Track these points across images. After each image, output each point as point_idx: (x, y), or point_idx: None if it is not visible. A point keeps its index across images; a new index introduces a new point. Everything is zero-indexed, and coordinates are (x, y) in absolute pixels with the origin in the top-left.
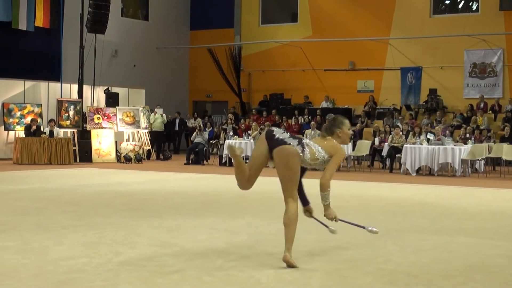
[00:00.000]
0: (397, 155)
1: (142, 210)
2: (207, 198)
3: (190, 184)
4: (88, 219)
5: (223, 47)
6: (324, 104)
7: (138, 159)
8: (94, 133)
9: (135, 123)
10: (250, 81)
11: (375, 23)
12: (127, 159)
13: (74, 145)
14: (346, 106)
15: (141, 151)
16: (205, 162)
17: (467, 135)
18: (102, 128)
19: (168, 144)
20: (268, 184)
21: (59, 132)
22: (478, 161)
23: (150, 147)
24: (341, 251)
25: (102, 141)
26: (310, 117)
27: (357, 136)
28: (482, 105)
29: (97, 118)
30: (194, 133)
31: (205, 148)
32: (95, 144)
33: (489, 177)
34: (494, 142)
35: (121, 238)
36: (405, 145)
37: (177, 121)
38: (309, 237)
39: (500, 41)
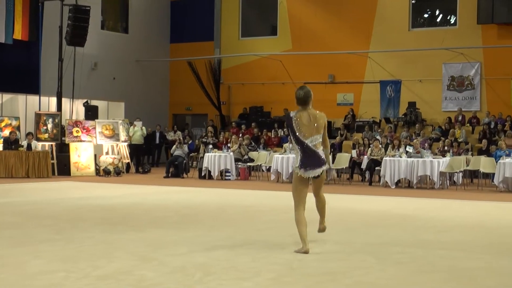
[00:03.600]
0: (376, 168)
1: (121, 223)
2: (187, 212)
3: (170, 197)
4: (67, 233)
5: (203, 60)
6: None
7: (117, 172)
8: (73, 146)
9: (114, 136)
10: (229, 94)
11: (355, 37)
12: (106, 172)
13: (52, 158)
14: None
15: (120, 164)
16: (184, 175)
17: (446, 148)
18: (81, 141)
19: (148, 157)
20: (248, 197)
21: (37, 145)
22: (456, 173)
23: (129, 160)
24: (321, 263)
25: (81, 154)
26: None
27: (336, 148)
28: (460, 118)
29: (76, 131)
30: (174, 146)
31: (184, 161)
32: (73, 157)
33: (467, 190)
34: (472, 154)
35: (100, 252)
36: (384, 158)
37: (157, 134)
38: (288, 250)
39: (477, 55)
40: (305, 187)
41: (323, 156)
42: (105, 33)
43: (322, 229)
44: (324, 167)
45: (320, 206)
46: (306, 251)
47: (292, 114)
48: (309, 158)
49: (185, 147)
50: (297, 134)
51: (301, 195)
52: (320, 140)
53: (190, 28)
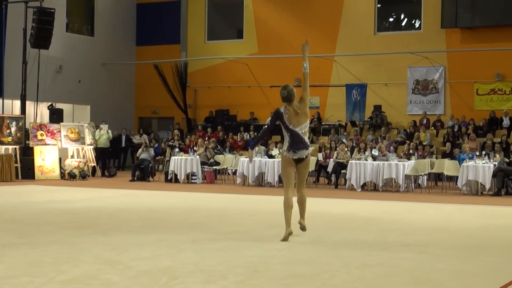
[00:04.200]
0: (342, 171)
1: (87, 227)
2: (153, 215)
3: (136, 201)
4: (31, 237)
5: (169, 63)
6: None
7: (83, 176)
8: (37, 149)
9: (80, 139)
10: (196, 97)
11: (321, 40)
12: (72, 176)
13: (16, 162)
14: None
15: (86, 168)
16: (150, 178)
17: (411, 151)
18: (45, 144)
19: (114, 160)
20: (214, 201)
21: (1, 149)
22: (421, 176)
23: (95, 164)
24: (287, 266)
25: (46, 158)
26: (255, 134)
27: None
28: (424, 121)
29: (41, 135)
30: (140, 150)
31: (150, 164)
32: (38, 161)
33: (432, 192)
34: (436, 157)
35: (65, 257)
36: (350, 161)
37: (123, 137)
38: (253, 253)
39: (441, 59)
40: (292, 169)
41: (308, 143)
42: (70, 36)
43: (302, 226)
44: (309, 150)
45: (301, 201)
46: (290, 232)
47: (282, 109)
48: (297, 144)
49: (151, 151)
50: (288, 125)
51: (290, 176)
52: (307, 127)
53: (156, 31)
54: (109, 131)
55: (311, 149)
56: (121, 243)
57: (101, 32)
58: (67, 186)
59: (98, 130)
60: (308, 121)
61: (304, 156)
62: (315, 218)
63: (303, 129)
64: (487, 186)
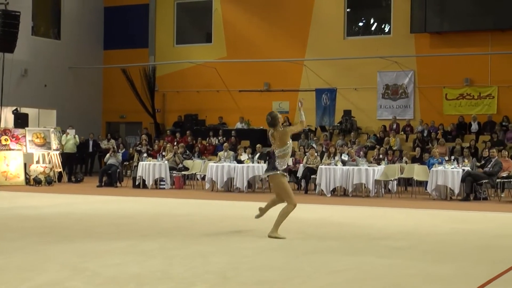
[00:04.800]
0: (312, 176)
1: (52, 234)
2: (120, 221)
3: (103, 207)
4: None
5: (137, 67)
6: (238, 125)
7: (49, 182)
8: (1, 155)
9: (45, 144)
10: (164, 102)
11: (290, 45)
12: (37, 182)
13: None
14: (261, 127)
15: (52, 173)
16: (118, 184)
17: (381, 156)
18: (10, 149)
19: (80, 166)
20: (182, 206)
21: None
22: (391, 181)
23: (61, 169)
24: (256, 272)
25: (10, 163)
26: (224, 138)
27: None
28: (394, 126)
29: (5, 140)
30: (108, 155)
31: (118, 170)
32: (2, 167)
33: (402, 198)
34: (406, 162)
35: (29, 264)
36: (320, 166)
37: (90, 142)
38: (222, 259)
39: (411, 63)
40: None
41: (276, 165)
42: (36, 39)
43: (258, 214)
44: (272, 172)
45: (271, 204)
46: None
47: (269, 133)
48: (268, 164)
49: (119, 156)
50: (272, 146)
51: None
52: (288, 150)
53: (124, 35)
54: (76, 136)
55: (277, 172)
56: (88, 250)
57: (67, 35)
58: (32, 192)
59: (64, 135)
60: (285, 147)
61: (266, 176)
62: (284, 223)
63: (280, 152)
64: (456, 191)
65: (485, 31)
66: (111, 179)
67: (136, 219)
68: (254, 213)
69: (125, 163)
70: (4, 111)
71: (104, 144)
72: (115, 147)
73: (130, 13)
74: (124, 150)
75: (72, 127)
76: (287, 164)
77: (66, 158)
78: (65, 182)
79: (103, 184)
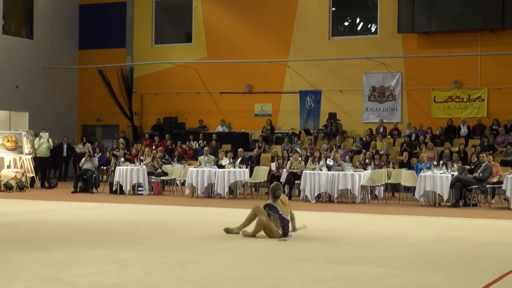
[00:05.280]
0: (296, 182)
1: (25, 242)
2: (96, 229)
3: (78, 213)
4: None
5: (114, 68)
6: (219, 129)
7: (21, 188)
8: None
9: (17, 148)
10: (142, 104)
11: (273, 45)
12: (8, 188)
13: None
14: (243, 131)
15: (24, 179)
16: (94, 190)
17: (367, 161)
18: None
19: (54, 171)
20: (161, 213)
21: None
22: (377, 187)
23: (34, 174)
24: (236, 282)
25: None
26: (205, 142)
27: (254, 161)
28: (381, 129)
29: None
30: (83, 159)
31: (94, 175)
32: None
33: (389, 204)
34: (393, 167)
35: (1, 273)
36: (304, 171)
37: (65, 146)
38: (202, 268)
39: (398, 64)
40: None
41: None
42: (7, 38)
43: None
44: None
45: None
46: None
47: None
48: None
49: (95, 160)
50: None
51: None
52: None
53: (100, 34)
54: (50, 139)
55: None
56: (63, 259)
57: (41, 34)
58: (3, 198)
59: (37, 138)
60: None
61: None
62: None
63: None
64: (445, 197)
65: (475, 31)
66: (86, 184)
67: (113, 226)
68: (235, 220)
69: (101, 168)
70: None
71: (79, 148)
72: (91, 151)
73: (107, 11)
74: (100, 154)
75: (46, 130)
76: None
77: (39, 162)
78: (38, 188)
79: (78, 190)
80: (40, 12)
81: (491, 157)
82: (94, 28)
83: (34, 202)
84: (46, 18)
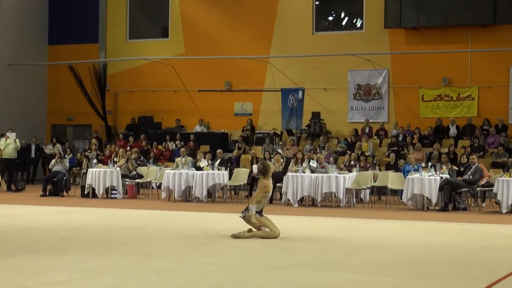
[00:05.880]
0: (277, 184)
1: None
2: (67, 234)
3: (48, 218)
4: None
5: (86, 64)
6: (198, 128)
7: None
8: None
9: None
10: (116, 102)
11: (254, 40)
12: None
13: None
14: (222, 131)
15: None
16: (65, 193)
17: (352, 162)
18: None
19: (22, 173)
20: (136, 218)
21: None
22: (363, 190)
23: None
24: None
25: None
26: (182, 143)
27: (233, 163)
28: (367, 129)
29: None
30: (53, 161)
31: (65, 177)
32: None
33: (375, 208)
34: (380, 169)
35: None
36: (286, 174)
37: (33, 147)
38: (179, 275)
39: (385, 61)
40: None
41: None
42: None
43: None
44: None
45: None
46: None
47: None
48: None
49: (66, 162)
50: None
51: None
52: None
53: (71, 28)
54: (17, 140)
55: (246, 213)
56: (32, 266)
57: (6, 28)
58: None
59: (3, 138)
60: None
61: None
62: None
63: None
64: (434, 201)
65: (465, 27)
66: (56, 187)
67: (84, 231)
68: (214, 225)
69: (72, 170)
70: None
71: (48, 149)
72: (61, 152)
73: (78, 4)
74: (71, 155)
75: (12, 130)
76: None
77: (5, 164)
78: (4, 191)
79: (47, 193)
80: (5, 5)
81: (475, 157)
82: (65, 21)
83: (0, 206)
84: (12, 12)
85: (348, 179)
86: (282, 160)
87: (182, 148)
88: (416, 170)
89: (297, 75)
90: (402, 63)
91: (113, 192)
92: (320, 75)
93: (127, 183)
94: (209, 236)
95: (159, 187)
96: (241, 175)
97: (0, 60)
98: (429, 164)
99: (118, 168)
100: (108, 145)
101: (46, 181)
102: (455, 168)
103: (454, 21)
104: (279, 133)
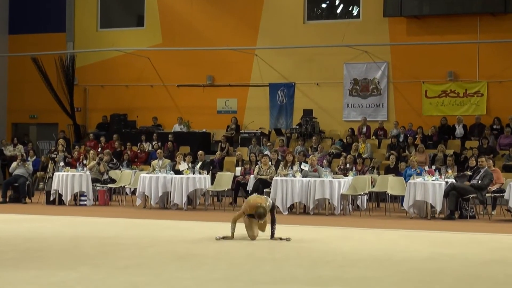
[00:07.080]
0: (265, 190)
1: None
2: (30, 246)
3: (7, 227)
4: None
5: (52, 55)
6: (177, 128)
7: None
8: None
9: None
10: (86, 99)
11: (239, 30)
12: None
13: None
14: (204, 130)
15: None
16: (27, 199)
17: (348, 165)
18: None
19: None
20: (108, 227)
21: None
22: (360, 196)
23: None
24: None
25: None
26: (159, 144)
27: (216, 166)
28: (364, 129)
29: None
30: (14, 164)
31: (27, 182)
32: None
33: (373, 216)
34: (378, 173)
35: None
36: (275, 178)
37: None
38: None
39: (384, 53)
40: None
41: None
42: None
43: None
44: None
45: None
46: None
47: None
48: None
49: (29, 165)
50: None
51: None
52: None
53: (35, 16)
54: None
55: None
56: None
57: None
58: None
59: None
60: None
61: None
62: (232, 247)
63: None
64: (438, 208)
65: (473, 15)
66: (18, 193)
67: (49, 242)
68: (194, 235)
69: (36, 174)
70: None
71: (9, 151)
72: (23, 154)
73: None
74: (35, 157)
75: None
76: None
77: None
78: None
79: (7, 199)
80: None
81: (490, 161)
82: (28, 9)
83: None
84: None
85: (343, 184)
86: (270, 163)
87: (159, 150)
88: (419, 174)
89: (286, 68)
90: (403, 56)
91: (82, 198)
92: (312, 68)
93: (98, 188)
94: (190, 248)
95: (133, 193)
96: (225, 179)
97: None
98: (433, 167)
99: (88, 172)
100: (77, 146)
101: (6, 186)
102: (468, 173)
103: (460, 9)
104: (267, 132)
